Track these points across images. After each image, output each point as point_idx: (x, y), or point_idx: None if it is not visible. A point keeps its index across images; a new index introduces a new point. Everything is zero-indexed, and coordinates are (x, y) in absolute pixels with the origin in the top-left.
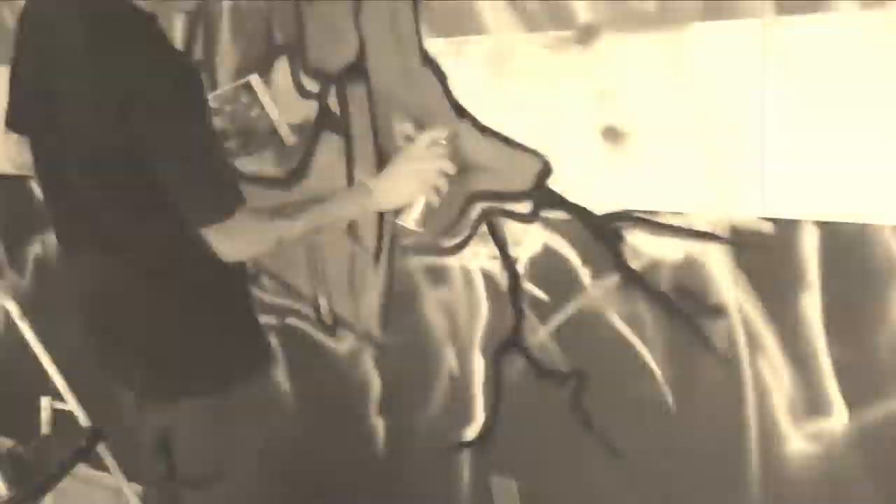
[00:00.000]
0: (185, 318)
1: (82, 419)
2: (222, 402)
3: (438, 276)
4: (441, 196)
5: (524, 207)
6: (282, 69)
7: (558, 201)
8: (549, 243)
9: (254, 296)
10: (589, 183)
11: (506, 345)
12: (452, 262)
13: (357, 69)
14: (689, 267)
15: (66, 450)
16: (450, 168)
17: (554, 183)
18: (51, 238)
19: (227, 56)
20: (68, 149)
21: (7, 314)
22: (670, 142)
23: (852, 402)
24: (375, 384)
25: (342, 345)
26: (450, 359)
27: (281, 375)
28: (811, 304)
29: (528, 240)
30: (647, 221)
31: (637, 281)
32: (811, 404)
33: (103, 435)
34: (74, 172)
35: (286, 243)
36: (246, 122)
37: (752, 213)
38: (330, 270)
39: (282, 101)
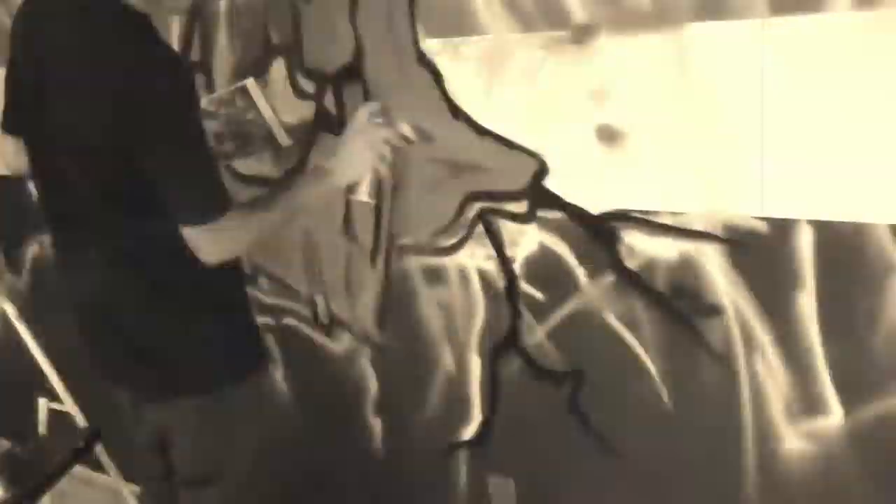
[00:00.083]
0: (181, 318)
1: (80, 420)
2: (218, 402)
3: (435, 276)
4: (387, 165)
5: (520, 207)
6: (278, 70)
7: (555, 201)
8: (545, 243)
9: (249, 295)
10: (585, 183)
11: (503, 345)
12: (449, 262)
13: (353, 70)
14: (685, 266)
15: (63, 450)
16: (393, 136)
17: (550, 183)
18: (48, 239)
19: (223, 57)
20: (64, 150)
21: (4, 315)
22: (666, 141)
23: (848, 401)
24: (372, 384)
25: (339, 345)
26: (447, 359)
27: (278, 376)
28: (807, 303)
29: (525, 240)
30: (643, 221)
31: (633, 280)
32: (807, 403)
33: (101, 435)
34: (70, 173)
35: (263, 238)
36: (242, 125)
37: (747, 212)
38: (327, 271)
39: (278, 101)
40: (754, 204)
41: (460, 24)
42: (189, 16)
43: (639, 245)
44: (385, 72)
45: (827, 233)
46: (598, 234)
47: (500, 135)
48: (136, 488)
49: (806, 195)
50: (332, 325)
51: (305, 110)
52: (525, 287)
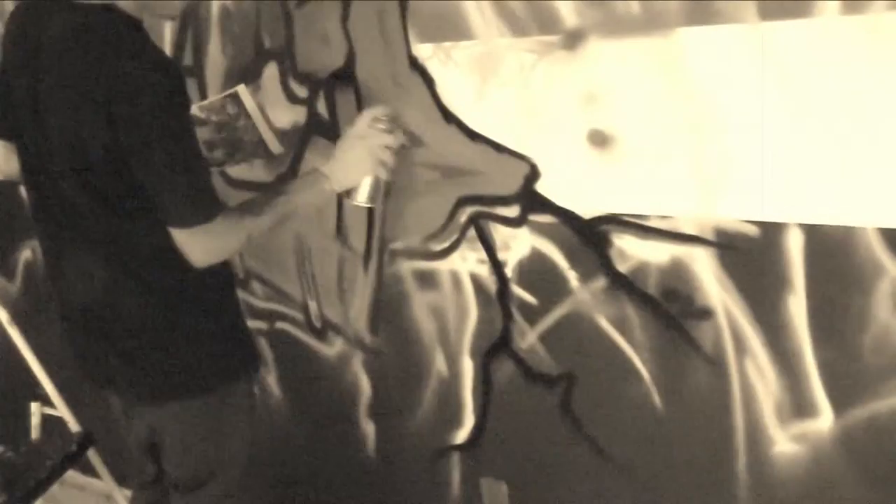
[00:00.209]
0: (172, 321)
1: (72, 424)
2: (210, 406)
3: (427, 280)
4: (389, 170)
5: (512, 211)
6: (271, 74)
7: (546, 205)
8: (537, 247)
9: (240, 298)
10: (576, 187)
11: (495, 348)
12: (441, 266)
13: (345, 74)
14: (676, 270)
15: (56, 455)
16: (393, 142)
17: (541, 187)
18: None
19: (215, 62)
20: (55, 155)
21: None
22: (656, 145)
23: (838, 404)
24: (365, 388)
25: (332, 349)
26: (439, 362)
27: (271, 380)
28: (797, 306)
29: (517, 244)
30: (633, 225)
31: (624, 284)
32: (797, 405)
33: (93, 440)
34: (61, 178)
35: (253, 239)
36: (233, 132)
37: (737, 215)
38: (319, 275)
39: (271, 106)
40: (744, 207)
41: (452, 29)
42: (181, 21)
43: (630, 249)
44: (377, 76)
45: (816, 236)
46: (590, 237)
47: (491, 139)
48: (129, 493)
49: (795, 199)
50: (324, 330)
51: (298, 115)
52: (517, 291)
